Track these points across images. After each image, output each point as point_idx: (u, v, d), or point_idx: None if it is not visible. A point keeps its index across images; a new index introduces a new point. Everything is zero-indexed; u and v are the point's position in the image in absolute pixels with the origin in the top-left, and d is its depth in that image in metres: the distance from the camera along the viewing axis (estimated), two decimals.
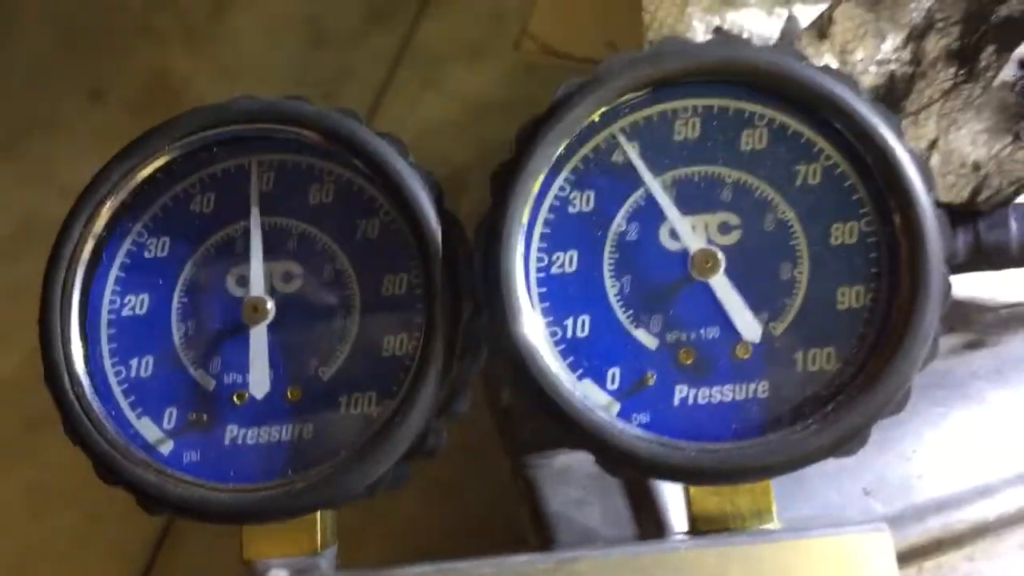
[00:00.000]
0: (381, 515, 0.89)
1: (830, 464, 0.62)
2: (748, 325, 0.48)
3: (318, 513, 0.50)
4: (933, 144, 0.62)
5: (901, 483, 0.60)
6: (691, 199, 0.49)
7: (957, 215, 0.70)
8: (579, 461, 0.66)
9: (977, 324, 0.73)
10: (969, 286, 0.75)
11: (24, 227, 1.44)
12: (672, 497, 0.61)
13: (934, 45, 0.59)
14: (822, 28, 0.59)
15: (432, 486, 0.88)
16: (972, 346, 0.69)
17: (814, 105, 0.48)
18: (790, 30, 0.61)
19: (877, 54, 0.59)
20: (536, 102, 0.50)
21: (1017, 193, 0.68)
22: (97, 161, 0.53)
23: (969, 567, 0.57)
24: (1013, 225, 0.68)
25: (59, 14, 1.63)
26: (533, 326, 0.48)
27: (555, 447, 0.68)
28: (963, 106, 0.60)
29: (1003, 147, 0.63)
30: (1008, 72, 0.60)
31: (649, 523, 0.63)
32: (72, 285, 0.50)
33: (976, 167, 0.63)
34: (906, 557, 0.57)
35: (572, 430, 0.47)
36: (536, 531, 0.64)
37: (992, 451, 0.60)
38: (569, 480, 0.66)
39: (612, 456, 0.46)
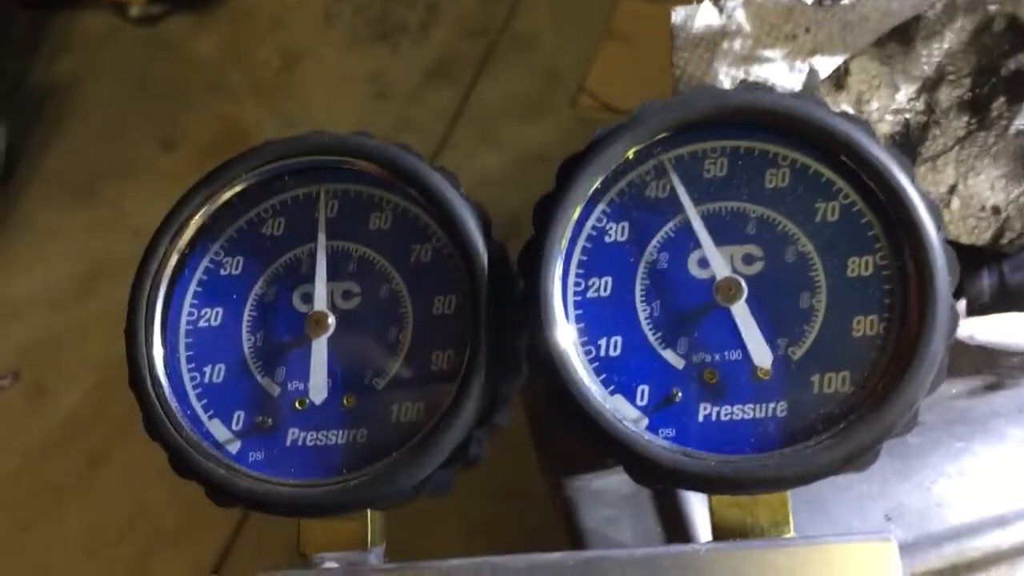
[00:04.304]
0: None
1: (853, 491, 0.66)
2: (760, 352, 0.52)
3: (369, 512, 0.54)
4: (952, 189, 0.65)
5: (920, 511, 0.63)
6: (718, 231, 0.54)
7: (983, 257, 0.73)
8: (613, 483, 0.70)
9: (1002, 367, 0.75)
10: (996, 331, 0.78)
11: (96, 268, 1.52)
12: (700, 517, 0.64)
13: (947, 96, 0.63)
14: (839, 80, 0.64)
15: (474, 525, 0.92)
16: (993, 387, 0.72)
17: (832, 147, 0.53)
18: (811, 82, 0.65)
19: (892, 104, 0.63)
20: None
21: None
22: (167, 206, 0.57)
23: None
24: None
25: (135, 65, 1.73)
26: (568, 341, 0.52)
27: (588, 468, 0.72)
28: (979, 153, 0.64)
29: (1021, 192, 0.66)
30: (1021, 121, 0.63)
31: (678, 541, 0.66)
32: (156, 297, 0.56)
33: (996, 211, 0.67)
34: None
35: (603, 441, 0.51)
36: (572, 547, 0.68)
37: (1009, 484, 0.63)
38: (603, 500, 0.70)
39: (639, 465, 0.50)
